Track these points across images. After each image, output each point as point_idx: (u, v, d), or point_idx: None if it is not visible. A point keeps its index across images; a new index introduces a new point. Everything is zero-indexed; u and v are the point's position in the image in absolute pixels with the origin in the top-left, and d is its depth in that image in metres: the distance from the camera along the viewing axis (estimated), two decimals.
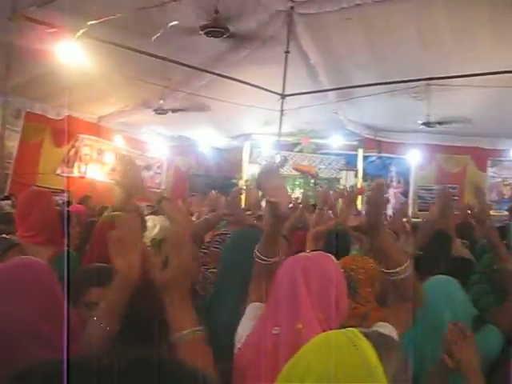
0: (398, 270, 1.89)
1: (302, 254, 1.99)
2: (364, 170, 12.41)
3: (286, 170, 11.41)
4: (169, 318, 1.52)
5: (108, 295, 1.64)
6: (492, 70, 7.73)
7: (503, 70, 7.62)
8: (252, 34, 8.24)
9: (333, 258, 1.95)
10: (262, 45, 8.46)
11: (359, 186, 11.43)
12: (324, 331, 1.70)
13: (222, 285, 2.80)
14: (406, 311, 1.98)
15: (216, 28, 7.24)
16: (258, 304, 1.96)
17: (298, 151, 12.13)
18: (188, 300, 1.56)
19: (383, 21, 7.76)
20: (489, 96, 8.75)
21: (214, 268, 3.32)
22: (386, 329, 1.85)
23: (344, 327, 1.12)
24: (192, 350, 1.47)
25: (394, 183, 13.00)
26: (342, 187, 11.11)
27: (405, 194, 12.81)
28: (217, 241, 3.61)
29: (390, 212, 12.57)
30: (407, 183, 12.93)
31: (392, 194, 12.86)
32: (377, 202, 1.84)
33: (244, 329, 1.92)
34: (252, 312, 1.97)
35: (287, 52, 8.18)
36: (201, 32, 7.25)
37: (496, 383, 1.98)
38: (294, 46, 8.37)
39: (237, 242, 2.89)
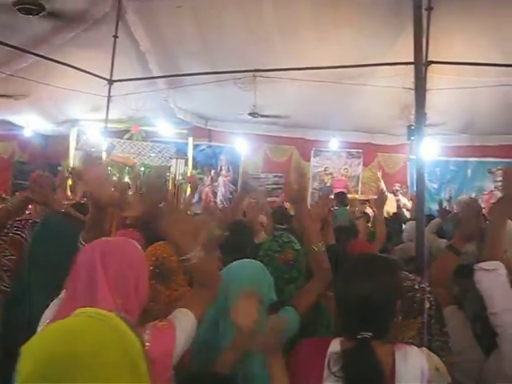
0: (188, 256, 1.98)
1: (103, 238, 1.96)
2: (194, 159, 12.45)
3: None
4: None
5: None
6: (315, 65, 8.15)
7: (325, 65, 8.07)
8: (79, 16, 7.86)
9: (135, 243, 1.97)
10: (89, 27, 8.14)
11: (189, 174, 11.48)
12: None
13: (30, 274, 2.67)
14: (201, 296, 2.06)
15: (29, 5, 6.85)
16: None
17: (128, 138, 11.88)
18: None
19: (214, 11, 7.83)
20: (312, 90, 9.19)
21: (12, 255, 3.19)
22: (183, 313, 1.94)
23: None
24: None
25: (224, 171, 13.25)
26: (172, 175, 11.16)
27: (234, 182, 13.11)
28: (15, 226, 3.43)
29: (219, 199, 12.94)
30: (236, 172, 13.22)
31: (222, 182, 13.11)
32: None
33: (48, 313, 1.91)
34: (62, 297, 1.94)
35: (116, 36, 7.95)
36: (14, 8, 6.84)
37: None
38: (123, 31, 8.14)
39: (47, 230, 2.77)
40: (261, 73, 8.69)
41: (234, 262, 2.55)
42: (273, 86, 9.04)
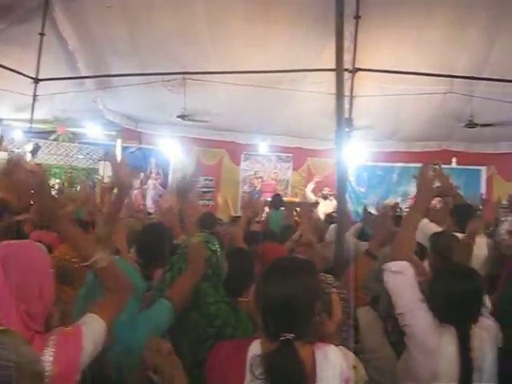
0: (91, 261, 1.98)
1: (6, 242, 1.90)
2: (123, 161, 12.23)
3: (41, 159, 10.84)
4: None
5: None
6: (246, 70, 8.19)
7: (256, 70, 8.13)
8: (3, 11, 7.63)
9: (41, 246, 1.93)
10: (14, 24, 7.88)
11: None
12: (24, 322, 1.70)
13: None
14: (111, 301, 2.04)
15: None
16: None
17: (54, 139, 11.57)
18: None
19: (145, 12, 7.75)
20: (243, 94, 9.23)
21: None
22: (92, 319, 1.91)
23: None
24: None
25: (154, 174, 13.10)
26: (100, 178, 10.95)
27: (164, 185, 12.98)
28: None
29: (149, 202, 12.77)
30: (166, 175, 13.10)
31: (151, 185, 12.95)
32: None
33: None
34: None
35: (42, 34, 7.75)
36: None
37: None
38: (51, 29, 7.96)
39: None
40: (191, 75, 8.67)
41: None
42: (203, 88, 9.03)
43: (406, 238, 2.62)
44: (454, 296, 2.38)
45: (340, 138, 3.73)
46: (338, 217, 3.75)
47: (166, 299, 2.53)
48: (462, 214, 4.46)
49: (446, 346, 2.30)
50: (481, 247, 4.19)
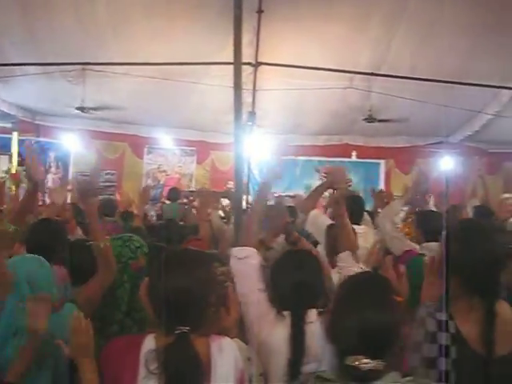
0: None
1: None
2: (20, 155, 11.72)
3: None
4: None
5: None
6: (148, 61, 8.06)
7: (158, 62, 8.02)
8: None
9: None
10: None
11: (14, 171, 10.79)
12: None
13: None
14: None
15: None
16: None
17: None
18: None
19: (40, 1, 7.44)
20: (146, 86, 9.07)
21: None
22: None
23: None
24: None
25: (53, 168, 12.63)
26: None
27: (63, 179, 12.56)
28: None
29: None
30: (66, 169, 12.68)
31: (51, 179, 12.50)
32: None
33: None
34: None
35: None
36: None
37: None
38: None
39: None
40: (92, 66, 8.41)
41: (14, 258, 2.55)
42: (104, 80, 8.80)
43: (251, 223, 2.65)
44: (289, 284, 2.41)
45: (238, 131, 3.74)
46: (234, 209, 3.78)
47: (74, 303, 2.52)
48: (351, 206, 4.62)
49: (280, 333, 2.29)
50: (367, 239, 4.35)
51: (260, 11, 7.34)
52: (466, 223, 2.77)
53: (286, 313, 2.33)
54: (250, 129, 8.46)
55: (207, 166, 12.91)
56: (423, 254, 3.47)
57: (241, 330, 2.45)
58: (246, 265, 2.44)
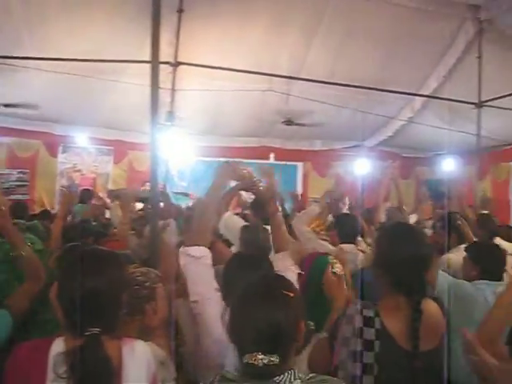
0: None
1: None
2: None
3: None
4: None
5: None
6: (64, 57, 7.82)
7: (73, 58, 7.80)
8: None
9: None
10: None
11: None
12: None
13: None
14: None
15: None
16: None
17: None
18: None
19: None
20: (62, 83, 8.78)
21: None
22: None
23: None
24: None
25: None
26: None
27: None
28: None
29: None
30: None
31: None
32: None
33: None
34: None
35: None
36: None
37: None
38: None
39: None
40: (3, 60, 8.06)
41: None
42: (17, 75, 8.45)
43: (205, 221, 2.68)
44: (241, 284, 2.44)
45: (155, 130, 3.71)
46: (151, 211, 3.75)
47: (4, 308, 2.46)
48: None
49: None
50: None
51: (180, 10, 7.30)
52: (394, 225, 2.93)
53: None
54: (168, 129, 8.39)
55: (124, 166, 12.66)
56: (328, 254, 3.56)
57: (167, 329, 2.43)
58: (202, 265, 2.45)
